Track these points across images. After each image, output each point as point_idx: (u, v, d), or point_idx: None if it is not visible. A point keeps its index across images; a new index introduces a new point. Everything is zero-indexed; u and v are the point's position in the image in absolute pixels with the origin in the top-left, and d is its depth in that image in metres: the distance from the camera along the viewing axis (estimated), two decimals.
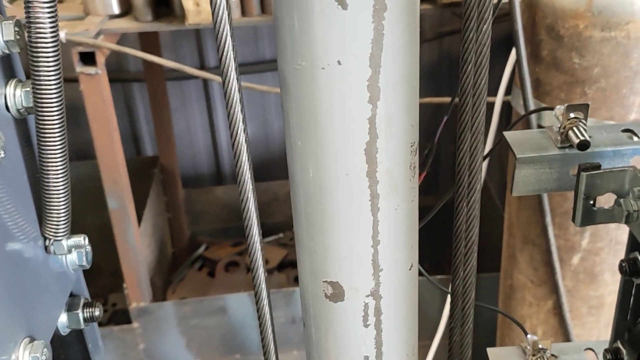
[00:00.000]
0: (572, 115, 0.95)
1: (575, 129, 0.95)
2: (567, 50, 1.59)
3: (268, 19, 2.08)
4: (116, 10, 2.14)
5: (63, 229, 0.76)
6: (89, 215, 3.42)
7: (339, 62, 0.61)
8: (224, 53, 0.61)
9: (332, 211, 0.68)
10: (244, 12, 2.07)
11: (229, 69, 0.62)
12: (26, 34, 0.68)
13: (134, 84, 3.51)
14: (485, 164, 2.13)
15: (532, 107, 1.71)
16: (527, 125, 1.77)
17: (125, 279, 2.45)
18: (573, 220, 0.94)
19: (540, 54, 1.66)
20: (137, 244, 2.42)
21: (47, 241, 0.77)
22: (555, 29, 1.60)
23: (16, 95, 0.72)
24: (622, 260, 0.88)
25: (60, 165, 0.71)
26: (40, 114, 0.69)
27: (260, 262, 0.72)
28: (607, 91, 1.60)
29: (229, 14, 0.60)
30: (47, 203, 0.73)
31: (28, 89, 0.72)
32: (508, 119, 2.40)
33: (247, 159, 0.68)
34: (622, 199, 0.90)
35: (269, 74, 3.43)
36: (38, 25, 0.64)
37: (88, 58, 2.02)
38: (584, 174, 0.90)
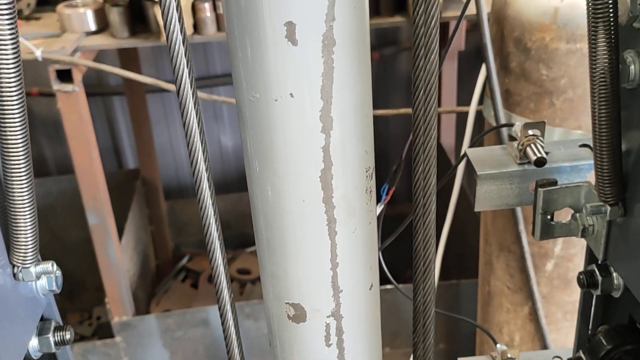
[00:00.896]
0: (530, 132, 0.99)
1: (532, 145, 0.98)
2: (534, 62, 1.63)
3: None
4: (93, 27, 2.15)
5: (31, 255, 0.78)
6: (73, 229, 3.43)
7: (292, 95, 0.64)
8: (178, 67, 0.62)
9: (291, 235, 0.71)
10: (219, 28, 2.09)
11: (184, 82, 0.63)
12: None
13: (114, 97, 3.52)
14: (461, 171, 2.17)
15: (502, 117, 1.74)
16: (498, 137, 1.80)
17: (107, 293, 2.46)
18: (533, 234, 0.97)
19: (509, 66, 1.70)
20: (118, 259, 2.43)
21: (16, 268, 0.78)
22: (522, 42, 1.64)
23: None
24: (580, 273, 0.91)
25: (26, 190, 0.72)
26: (3, 135, 0.68)
27: (222, 276, 0.73)
28: (575, 102, 1.63)
29: (181, 29, 0.60)
30: (14, 230, 0.75)
31: None
32: (481, 129, 2.43)
33: (205, 171, 0.69)
34: (578, 214, 0.93)
35: None
36: None
37: (65, 75, 2.03)
38: (540, 190, 0.93)
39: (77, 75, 2.04)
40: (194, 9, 2.04)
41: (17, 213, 0.74)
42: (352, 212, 0.71)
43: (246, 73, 0.65)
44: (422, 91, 0.68)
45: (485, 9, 1.72)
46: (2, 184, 0.76)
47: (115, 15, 2.09)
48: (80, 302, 3.50)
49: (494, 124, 1.78)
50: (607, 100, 0.77)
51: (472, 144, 1.43)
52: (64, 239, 3.41)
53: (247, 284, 3.12)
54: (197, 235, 3.62)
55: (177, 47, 0.61)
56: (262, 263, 0.76)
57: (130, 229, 2.86)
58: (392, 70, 3.53)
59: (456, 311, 2.60)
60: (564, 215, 0.96)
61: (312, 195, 0.68)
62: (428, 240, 0.78)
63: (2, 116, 0.67)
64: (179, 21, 0.60)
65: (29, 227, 0.75)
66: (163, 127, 3.63)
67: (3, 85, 0.65)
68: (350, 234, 0.72)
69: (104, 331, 2.99)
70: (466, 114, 2.02)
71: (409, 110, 2.43)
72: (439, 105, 2.25)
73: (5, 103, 0.66)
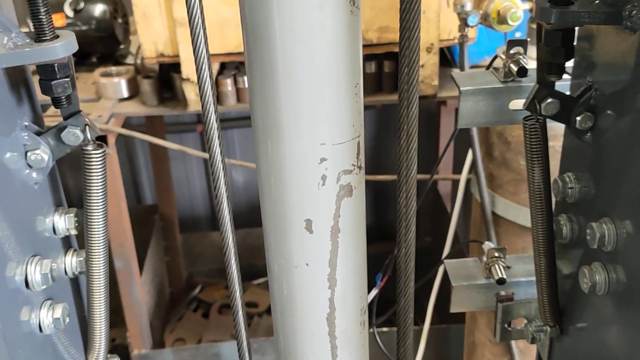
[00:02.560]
0: (495, 254, 1.23)
1: (496, 266, 1.22)
2: (514, 153, 1.88)
3: None
4: (125, 94, 2.41)
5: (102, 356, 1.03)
6: None
7: (307, 264, 0.89)
8: (207, 109, 0.87)
9: (304, 357, 0.96)
10: (239, 99, 2.35)
11: (211, 120, 0.88)
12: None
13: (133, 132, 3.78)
14: (456, 215, 2.40)
15: (486, 197, 1.99)
16: (482, 209, 2.04)
17: (129, 328, 2.71)
18: (494, 336, 1.22)
19: (492, 154, 1.95)
20: (140, 297, 2.68)
21: None
22: (504, 136, 1.88)
23: (72, 262, 0.99)
24: None
25: (104, 301, 0.97)
26: (90, 268, 0.94)
27: (240, 313, 0.98)
28: None
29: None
30: (92, 336, 1.00)
31: (82, 258, 0.98)
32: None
33: (228, 206, 0.93)
34: (529, 323, 1.17)
35: None
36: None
37: (100, 140, 2.27)
38: (500, 304, 1.18)
39: (111, 139, 2.30)
40: (217, 83, 2.30)
41: (95, 324, 0.98)
42: (349, 340, 0.96)
43: (275, 247, 0.90)
44: (404, 175, 0.88)
45: None
46: (83, 299, 1.02)
47: (146, 86, 2.34)
48: None
49: (479, 200, 2.03)
50: (545, 258, 1.01)
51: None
52: None
53: (254, 317, 3.37)
54: (208, 266, 3.87)
55: (207, 94, 0.85)
56: None
57: (149, 263, 3.11)
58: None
59: (446, 354, 2.84)
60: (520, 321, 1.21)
61: (319, 331, 0.93)
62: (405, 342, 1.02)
63: (91, 259, 0.93)
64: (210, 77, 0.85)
65: (103, 336, 1.00)
66: (180, 163, 3.88)
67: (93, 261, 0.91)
68: (348, 355, 0.97)
69: (119, 352, 3.24)
70: (457, 182, 2.27)
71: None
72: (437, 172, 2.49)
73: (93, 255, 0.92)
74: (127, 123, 3.76)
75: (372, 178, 2.62)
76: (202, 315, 3.52)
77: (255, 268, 3.69)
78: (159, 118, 3.26)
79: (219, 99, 2.32)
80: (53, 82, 0.80)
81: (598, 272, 0.88)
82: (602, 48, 0.86)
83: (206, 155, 2.85)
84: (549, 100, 0.88)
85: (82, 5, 2.46)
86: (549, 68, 0.85)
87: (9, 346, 0.76)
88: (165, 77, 2.41)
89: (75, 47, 0.80)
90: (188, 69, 2.21)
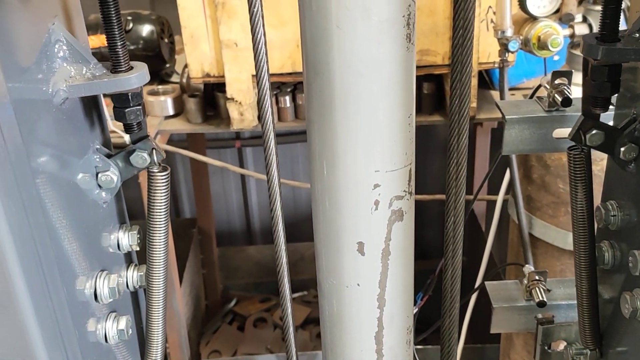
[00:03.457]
0: (536, 277, 1.26)
1: (537, 288, 1.25)
2: (553, 177, 1.90)
3: (300, 124, 2.41)
4: (171, 112, 2.49)
5: None
6: None
7: (358, 285, 0.93)
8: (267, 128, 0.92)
9: None
10: (280, 118, 2.41)
11: (270, 138, 0.92)
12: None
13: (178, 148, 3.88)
14: (492, 236, 2.42)
15: (524, 218, 2.01)
16: (520, 231, 2.05)
17: (168, 339, 2.77)
18: (534, 357, 1.25)
19: (531, 176, 1.97)
20: (179, 310, 2.74)
21: None
22: (543, 159, 1.90)
23: (133, 276, 1.04)
24: None
25: (162, 314, 1.02)
26: (150, 282, 0.99)
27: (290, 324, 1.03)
28: None
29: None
30: (149, 347, 1.05)
31: (142, 272, 1.04)
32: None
33: (281, 221, 0.98)
34: (569, 345, 1.19)
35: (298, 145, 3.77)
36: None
37: None
38: (540, 326, 1.20)
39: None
40: (277, 100, 2.37)
41: (152, 336, 1.04)
42: (395, 357, 1.00)
43: (327, 267, 0.94)
44: (452, 192, 0.93)
45: None
46: (142, 316, 1.07)
47: (191, 104, 2.42)
48: None
49: (516, 222, 2.05)
50: (587, 283, 1.04)
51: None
52: None
53: None
54: (244, 279, 3.93)
55: (267, 114, 0.90)
56: None
57: (188, 276, 3.18)
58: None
59: None
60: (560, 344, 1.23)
61: (368, 347, 0.97)
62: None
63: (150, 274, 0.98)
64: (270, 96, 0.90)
65: (159, 349, 1.05)
66: (218, 177, 3.96)
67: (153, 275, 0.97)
68: None
69: None
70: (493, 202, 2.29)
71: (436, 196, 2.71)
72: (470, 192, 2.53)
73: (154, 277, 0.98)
74: (170, 138, 3.87)
75: None
76: (237, 328, 3.57)
77: (291, 283, 3.74)
78: (200, 134, 3.35)
79: (278, 114, 2.38)
80: (127, 110, 0.86)
81: (639, 298, 0.91)
82: None
83: (244, 171, 2.91)
84: (594, 131, 0.92)
85: (130, 25, 2.55)
86: (595, 101, 0.89)
87: (83, 356, 0.82)
88: (210, 96, 2.48)
89: (147, 78, 0.86)
90: (232, 88, 2.28)
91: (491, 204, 2.89)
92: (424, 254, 3.98)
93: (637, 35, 0.84)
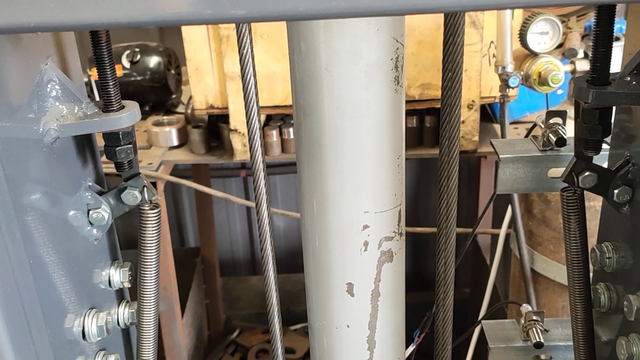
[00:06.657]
0: (533, 317, 1.24)
1: (534, 329, 1.23)
2: (554, 212, 1.88)
3: None
4: (175, 142, 2.50)
5: None
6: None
7: (348, 326, 0.92)
8: (256, 158, 0.91)
9: None
10: (283, 150, 2.41)
11: (259, 169, 0.91)
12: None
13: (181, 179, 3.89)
14: (494, 270, 2.39)
15: (525, 254, 1.99)
16: (521, 266, 2.03)
17: None
18: None
19: (532, 211, 1.96)
20: (181, 340, 2.73)
21: None
22: (544, 194, 1.90)
23: (124, 313, 1.04)
24: None
25: (152, 351, 1.01)
26: (141, 318, 0.99)
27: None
28: None
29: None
30: None
31: (133, 309, 1.04)
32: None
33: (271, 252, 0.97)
34: None
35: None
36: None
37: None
38: None
39: (160, 186, 2.38)
40: (264, 134, 2.37)
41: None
42: None
43: (317, 307, 0.93)
44: (443, 234, 0.91)
45: None
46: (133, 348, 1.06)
47: (195, 135, 2.43)
48: None
49: (518, 256, 2.04)
50: (583, 325, 1.02)
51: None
52: None
53: None
54: (247, 310, 3.91)
55: (256, 146, 0.90)
56: None
57: (191, 306, 3.16)
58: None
59: None
60: None
61: None
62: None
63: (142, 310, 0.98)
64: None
65: None
66: (222, 207, 3.96)
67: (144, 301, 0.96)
68: None
69: None
70: (496, 236, 2.27)
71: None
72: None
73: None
74: (174, 167, 3.88)
75: (412, 230, 2.64)
76: (239, 359, 3.54)
77: (293, 313, 3.72)
78: (205, 164, 3.36)
79: (265, 148, 2.39)
80: (117, 149, 0.86)
81: (635, 344, 0.89)
82: None
83: (248, 203, 2.91)
84: (587, 173, 0.91)
85: (138, 57, 2.58)
86: (587, 144, 0.88)
87: None
88: (214, 127, 2.50)
89: (138, 117, 0.86)
90: (236, 120, 2.29)
91: (495, 237, 2.87)
92: (427, 285, 3.95)
93: (629, 78, 0.84)
